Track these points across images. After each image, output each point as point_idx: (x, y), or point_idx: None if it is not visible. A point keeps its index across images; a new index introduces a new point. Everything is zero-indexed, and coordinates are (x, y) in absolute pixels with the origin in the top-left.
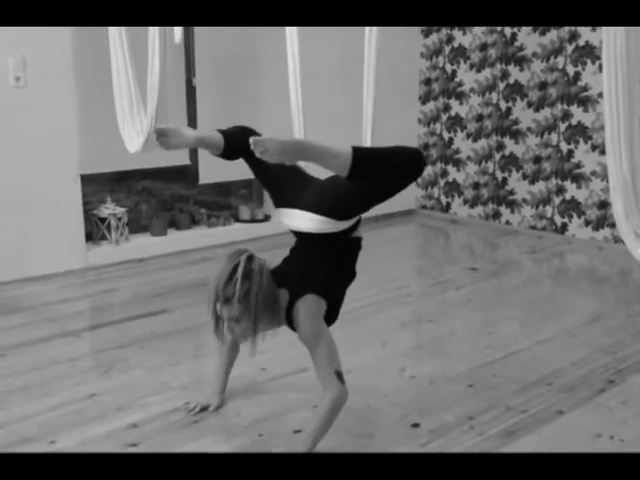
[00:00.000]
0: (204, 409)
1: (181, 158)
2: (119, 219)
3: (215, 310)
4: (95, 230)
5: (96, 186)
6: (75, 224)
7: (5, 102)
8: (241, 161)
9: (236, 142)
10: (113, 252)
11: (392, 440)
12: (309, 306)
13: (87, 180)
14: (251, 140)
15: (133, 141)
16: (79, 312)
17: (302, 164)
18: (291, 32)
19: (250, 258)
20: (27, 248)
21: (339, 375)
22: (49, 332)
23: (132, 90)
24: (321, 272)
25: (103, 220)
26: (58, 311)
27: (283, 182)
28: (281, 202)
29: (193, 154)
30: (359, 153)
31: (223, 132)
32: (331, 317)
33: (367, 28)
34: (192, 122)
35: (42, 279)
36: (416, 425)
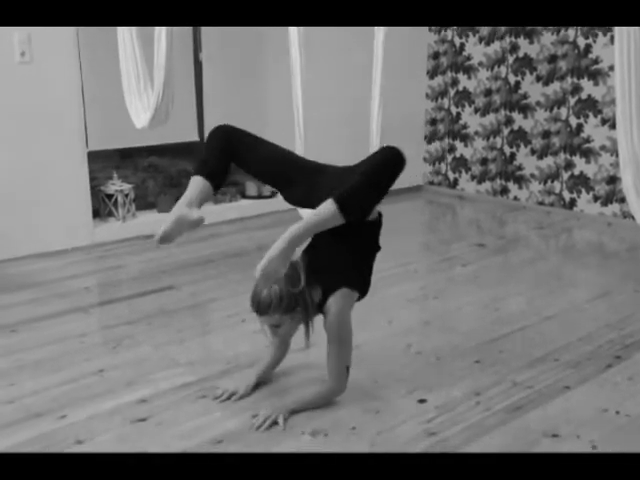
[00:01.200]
0: (232, 395)
1: (188, 134)
2: (126, 196)
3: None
4: (102, 207)
5: (102, 162)
6: (82, 201)
7: (10, 77)
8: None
9: (220, 175)
10: (120, 229)
11: (399, 415)
12: (341, 301)
13: (93, 156)
14: (257, 280)
15: (140, 116)
16: (87, 288)
17: (299, 148)
18: (294, 36)
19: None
20: (34, 225)
21: (347, 370)
22: (58, 308)
23: (139, 65)
24: (349, 264)
25: (110, 197)
26: (66, 287)
27: (291, 182)
28: (293, 201)
29: (200, 130)
30: (342, 201)
31: (205, 174)
32: (365, 292)
33: (375, 28)
34: (199, 96)
35: (50, 255)
36: (423, 401)
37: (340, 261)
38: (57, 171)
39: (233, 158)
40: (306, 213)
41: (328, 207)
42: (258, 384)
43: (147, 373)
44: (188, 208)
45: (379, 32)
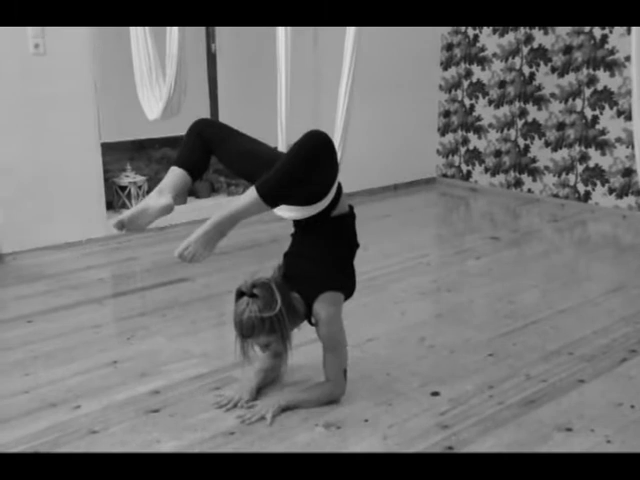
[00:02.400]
0: (236, 404)
1: None
2: (139, 187)
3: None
4: (116, 198)
5: (116, 154)
6: (96, 192)
7: (24, 69)
8: (258, 129)
9: (197, 166)
10: None
11: (411, 408)
12: (328, 307)
13: (107, 148)
14: (176, 257)
15: (152, 108)
16: (101, 280)
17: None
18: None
19: (254, 297)
20: (49, 217)
21: (345, 373)
22: (73, 299)
23: (151, 57)
24: (321, 266)
25: (123, 188)
26: (81, 279)
27: (255, 176)
28: None
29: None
30: (262, 187)
31: (181, 165)
32: (350, 291)
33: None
34: (212, 87)
35: (64, 247)
36: (436, 394)
37: (314, 264)
38: (71, 163)
39: (210, 151)
40: (280, 210)
41: (250, 194)
42: (260, 389)
43: (161, 364)
44: (157, 196)
45: (349, 31)
